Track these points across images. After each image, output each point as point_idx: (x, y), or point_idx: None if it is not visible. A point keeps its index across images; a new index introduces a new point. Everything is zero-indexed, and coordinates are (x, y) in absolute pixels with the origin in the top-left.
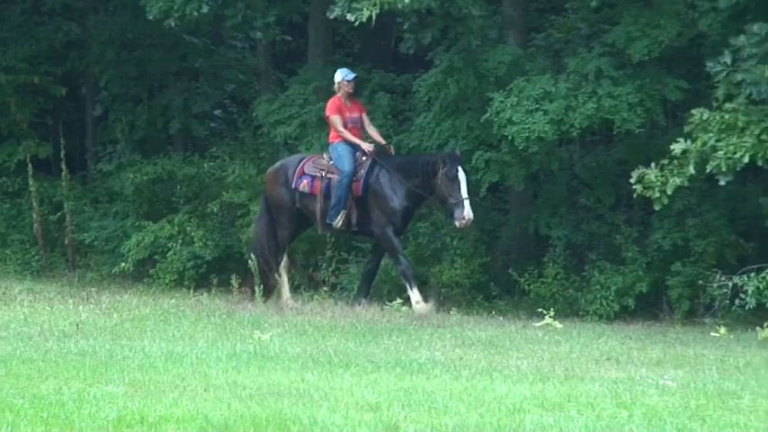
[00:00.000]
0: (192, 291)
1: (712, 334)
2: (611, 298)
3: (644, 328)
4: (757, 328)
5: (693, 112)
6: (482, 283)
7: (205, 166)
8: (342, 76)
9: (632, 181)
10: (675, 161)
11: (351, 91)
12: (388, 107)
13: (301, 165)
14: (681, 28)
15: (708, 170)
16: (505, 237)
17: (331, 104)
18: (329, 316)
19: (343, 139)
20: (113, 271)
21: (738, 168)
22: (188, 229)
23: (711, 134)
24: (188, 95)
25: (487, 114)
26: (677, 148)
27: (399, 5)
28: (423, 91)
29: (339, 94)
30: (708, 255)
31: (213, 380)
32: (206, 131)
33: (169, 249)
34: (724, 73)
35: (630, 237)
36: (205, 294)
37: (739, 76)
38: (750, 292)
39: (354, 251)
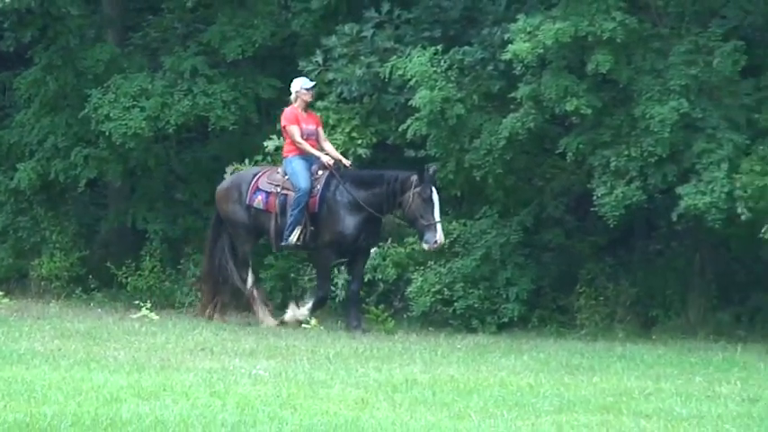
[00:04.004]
0: None
1: (303, 326)
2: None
3: (238, 319)
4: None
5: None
6: (81, 275)
7: None
8: (300, 84)
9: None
10: (269, 157)
11: (309, 100)
12: None
13: (255, 180)
14: (274, 28)
15: None
16: (104, 231)
17: (289, 114)
18: None
19: (298, 152)
20: None
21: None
22: None
23: None
24: None
25: (86, 110)
26: (270, 144)
27: (0, 5)
28: (23, 88)
29: (296, 104)
30: None
31: None
32: None
33: None
34: (316, 72)
35: None
36: None
37: (330, 75)
38: (339, 284)
39: None
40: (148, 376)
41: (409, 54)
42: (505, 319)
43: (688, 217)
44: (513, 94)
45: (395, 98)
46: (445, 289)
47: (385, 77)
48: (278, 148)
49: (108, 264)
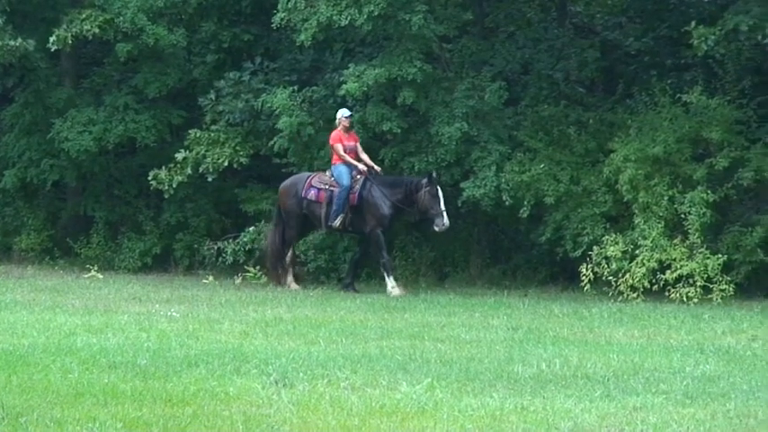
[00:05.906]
0: None
1: (203, 281)
2: (135, 257)
3: (158, 277)
4: (234, 277)
5: (190, 131)
6: (48, 248)
7: None
8: (342, 114)
9: (150, 178)
10: (179, 165)
11: (348, 125)
12: None
13: (309, 180)
14: (181, 75)
15: (200, 170)
16: (64, 217)
17: (334, 135)
18: None
19: (342, 161)
20: None
21: (221, 169)
22: None
23: (202, 146)
24: None
25: (51, 134)
26: (180, 156)
27: None
28: (7, 119)
29: (339, 128)
30: (201, 228)
31: None
32: None
33: None
34: (210, 105)
35: (149, 216)
36: None
37: (221, 108)
38: (229, 252)
39: None
40: (96, 317)
41: (275, 92)
42: (343, 275)
43: (469, 203)
44: None
45: (265, 123)
46: (302, 254)
47: (258, 108)
48: (185, 159)
49: (67, 239)
